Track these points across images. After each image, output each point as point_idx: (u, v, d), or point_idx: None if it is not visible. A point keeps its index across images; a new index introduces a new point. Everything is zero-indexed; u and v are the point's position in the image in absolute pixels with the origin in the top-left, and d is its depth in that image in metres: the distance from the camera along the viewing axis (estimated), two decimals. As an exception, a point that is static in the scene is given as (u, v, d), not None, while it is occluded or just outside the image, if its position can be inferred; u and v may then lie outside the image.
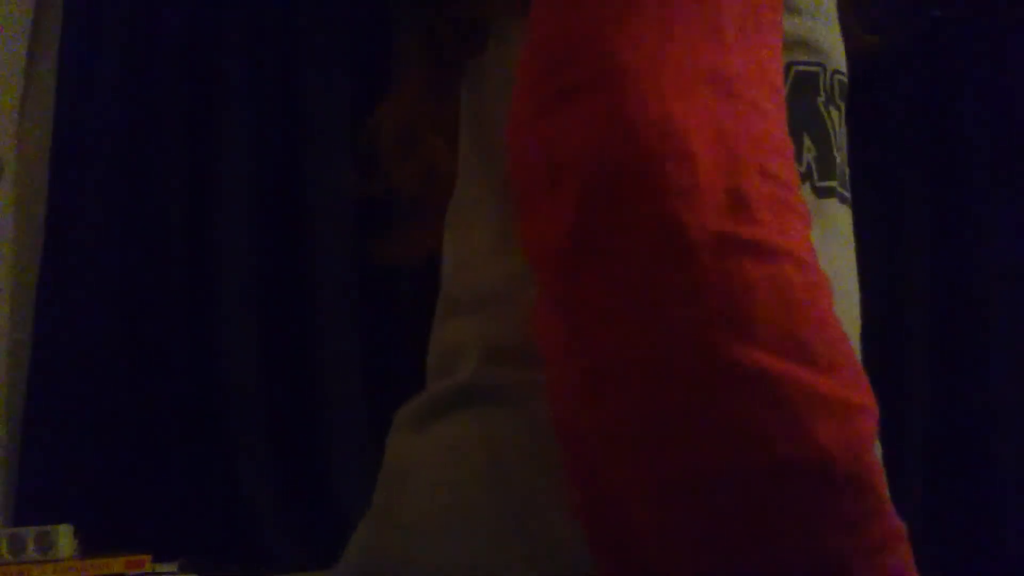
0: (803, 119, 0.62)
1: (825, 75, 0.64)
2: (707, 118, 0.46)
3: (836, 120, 0.65)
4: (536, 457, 0.55)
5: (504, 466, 0.57)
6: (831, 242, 0.63)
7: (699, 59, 0.47)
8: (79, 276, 2.06)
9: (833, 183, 0.64)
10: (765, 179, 0.46)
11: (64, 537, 1.81)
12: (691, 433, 0.43)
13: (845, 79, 0.67)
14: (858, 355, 0.64)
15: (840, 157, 0.65)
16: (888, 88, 2.19)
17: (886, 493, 0.44)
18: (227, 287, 2.07)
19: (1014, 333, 2.15)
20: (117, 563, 1.79)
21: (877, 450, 0.56)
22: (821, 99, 0.64)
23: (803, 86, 0.63)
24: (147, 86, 2.14)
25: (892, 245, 2.16)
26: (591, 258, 0.46)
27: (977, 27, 2.21)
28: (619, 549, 0.46)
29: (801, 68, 0.63)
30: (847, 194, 0.67)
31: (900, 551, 0.44)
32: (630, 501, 0.45)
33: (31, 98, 2.17)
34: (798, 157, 0.61)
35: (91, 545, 1.87)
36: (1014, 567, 2.04)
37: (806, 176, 0.62)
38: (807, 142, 0.62)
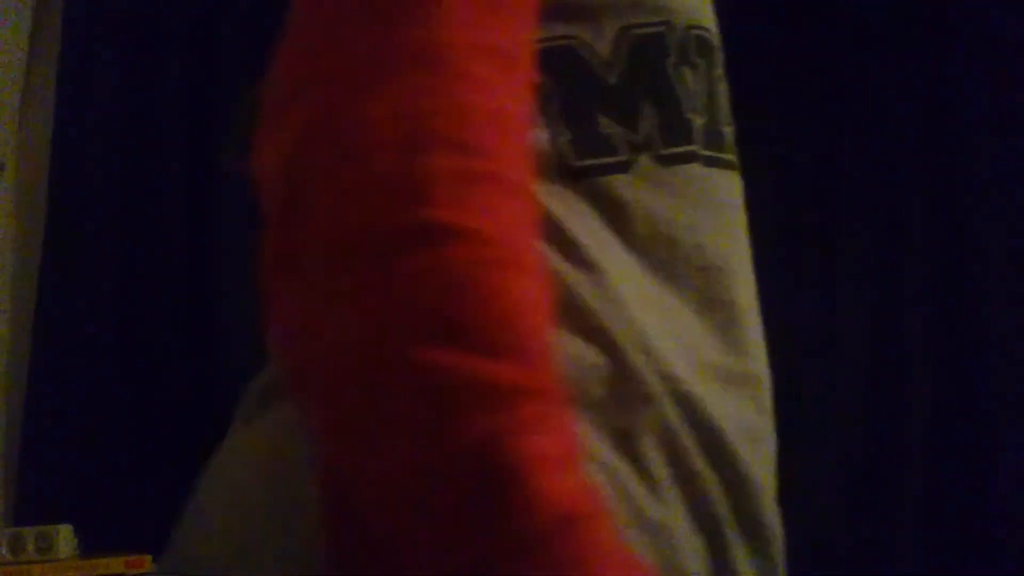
0: (644, 85, 0.59)
1: (673, 33, 0.60)
2: (389, 100, 0.45)
3: (692, 79, 0.61)
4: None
5: (286, 464, 0.55)
6: (693, 210, 0.59)
7: (401, 37, 0.47)
8: (79, 276, 2.06)
9: (690, 147, 0.60)
10: (455, 154, 0.45)
11: (64, 537, 1.81)
12: (358, 431, 0.44)
13: (707, 32, 0.63)
14: (743, 330, 0.60)
15: (701, 119, 0.61)
16: (883, 81, 2.19)
17: (548, 481, 0.42)
18: (228, 287, 2.07)
19: (1014, 333, 2.14)
20: (117, 563, 1.79)
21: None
22: (670, 60, 0.60)
23: (643, 50, 0.59)
24: (147, 86, 2.14)
25: (886, 246, 2.16)
26: (284, 268, 0.46)
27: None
28: (336, 543, 0.46)
29: (639, 31, 0.59)
30: (724, 156, 0.63)
31: (569, 539, 0.41)
32: (335, 497, 0.45)
33: (31, 98, 2.16)
34: (634, 126, 0.58)
35: (91, 545, 1.87)
36: (1013, 571, 2.04)
37: (643, 146, 0.58)
38: (647, 110, 0.59)
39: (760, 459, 0.59)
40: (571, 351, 0.53)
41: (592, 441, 0.52)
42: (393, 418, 0.43)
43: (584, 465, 0.45)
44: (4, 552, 1.79)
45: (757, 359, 0.62)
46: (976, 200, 2.17)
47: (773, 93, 2.15)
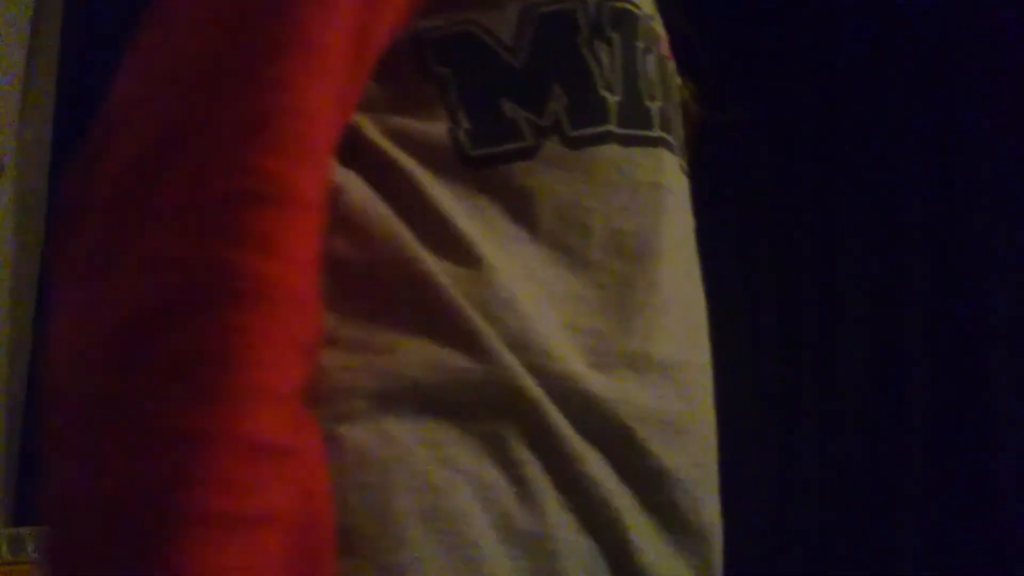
0: (553, 66, 0.56)
1: (585, 8, 0.57)
2: (163, 127, 0.45)
3: (607, 55, 0.58)
4: None
5: None
6: (607, 193, 0.57)
7: (167, 50, 0.47)
8: (79, 276, 2.06)
9: (604, 127, 0.57)
10: (226, 175, 0.44)
11: (64, 537, 1.81)
12: (55, 447, 0.44)
13: (626, 4, 0.59)
14: (665, 315, 0.58)
15: (617, 96, 0.58)
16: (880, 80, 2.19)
17: (200, 541, 0.40)
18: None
19: (1014, 333, 2.14)
20: (117, 563, 1.79)
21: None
22: (582, 37, 0.57)
23: (550, 29, 0.56)
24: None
25: (887, 246, 2.16)
26: (58, 278, 0.47)
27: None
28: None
29: (545, 10, 0.56)
30: (647, 133, 0.59)
31: None
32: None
33: (31, 98, 2.16)
34: (540, 110, 0.56)
35: (91, 545, 1.87)
36: (1014, 571, 2.04)
37: (552, 130, 0.56)
38: (556, 91, 0.56)
39: (685, 450, 0.56)
40: (436, 358, 0.51)
41: (456, 452, 0.50)
42: (87, 445, 0.43)
43: (282, 523, 0.43)
44: (4, 552, 1.79)
45: (684, 343, 0.59)
46: (976, 200, 2.17)
47: (773, 93, 2.15)
